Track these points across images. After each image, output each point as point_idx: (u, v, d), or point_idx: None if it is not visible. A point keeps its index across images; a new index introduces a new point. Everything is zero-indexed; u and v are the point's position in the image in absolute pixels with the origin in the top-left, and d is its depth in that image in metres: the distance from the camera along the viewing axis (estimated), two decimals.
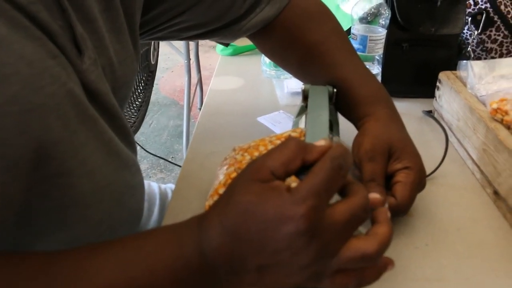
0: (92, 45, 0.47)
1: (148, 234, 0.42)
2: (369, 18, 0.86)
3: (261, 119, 0.89)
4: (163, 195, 0.90)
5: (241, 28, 0.72)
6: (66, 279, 0.38)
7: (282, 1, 0.72)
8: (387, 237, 0.39)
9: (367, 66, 0.90)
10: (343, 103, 0.67)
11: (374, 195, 0.42)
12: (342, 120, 0.70)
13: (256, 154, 0.60)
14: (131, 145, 0.57)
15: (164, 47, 2.42)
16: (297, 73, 0.75)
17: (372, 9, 0.86)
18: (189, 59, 2.35)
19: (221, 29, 0.71)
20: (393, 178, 0.58)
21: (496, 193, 0.66)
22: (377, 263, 0.39)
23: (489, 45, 0.97)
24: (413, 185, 0.57)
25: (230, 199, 0.39)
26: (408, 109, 0.92)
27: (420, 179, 0.58)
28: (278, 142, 0.60)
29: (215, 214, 0.40)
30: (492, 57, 0.99)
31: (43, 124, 0.39)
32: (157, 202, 0.88)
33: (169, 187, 0.93)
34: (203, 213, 0.42)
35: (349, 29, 0.99)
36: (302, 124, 0.71)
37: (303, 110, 0.74)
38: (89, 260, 0.40)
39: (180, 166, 2.13)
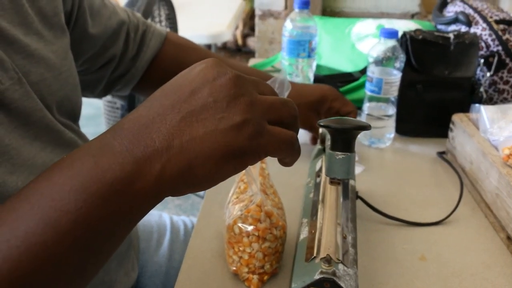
0: (15, 64, 0.51)
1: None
2: (384, 62, 0.89)
3: None
4: (174, 227, 0.90)
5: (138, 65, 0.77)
6: None
7: (161, 34, 0.80)
8: None
9: (382, 108, 0.93)
10: None
11: None
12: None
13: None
14: None
15: None
16: None
17: (387, 53, 0.89)
18: None
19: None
20: None
21: (509, 238, 0.68)
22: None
23: (501, 86, 1.00)
24: None
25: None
26: (422, 149, 0.94)
27: None
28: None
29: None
30: (504, 98, 1.01)
31: None
32: (168, 234, 0.88)
33: (182, 219, 0.93)
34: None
35: (365, 68, 1.02)
36: (318, 167, 0.73)
37: (320, 152, 0.77)
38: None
39: (196, 195, 2.16)
